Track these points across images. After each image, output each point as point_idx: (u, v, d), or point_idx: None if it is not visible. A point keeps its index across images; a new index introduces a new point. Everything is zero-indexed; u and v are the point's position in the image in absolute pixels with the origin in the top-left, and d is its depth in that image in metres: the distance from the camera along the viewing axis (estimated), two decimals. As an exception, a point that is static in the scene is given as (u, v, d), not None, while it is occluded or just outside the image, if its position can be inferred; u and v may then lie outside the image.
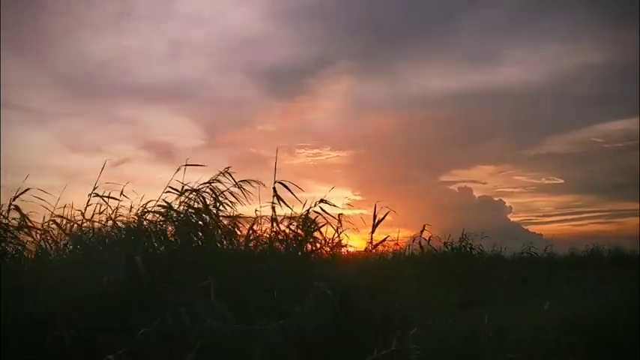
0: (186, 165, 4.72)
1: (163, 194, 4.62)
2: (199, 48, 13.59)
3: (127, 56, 13.21)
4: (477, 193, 17.88)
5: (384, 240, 5.66)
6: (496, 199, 17.83)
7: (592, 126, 17.19)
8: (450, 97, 14.98)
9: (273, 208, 4.85)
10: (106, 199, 4.77)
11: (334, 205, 5.07)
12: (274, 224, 4.85)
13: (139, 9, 12.51)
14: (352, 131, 14.49)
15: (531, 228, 18.80)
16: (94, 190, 4.75)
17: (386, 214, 5.32)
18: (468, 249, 8.50)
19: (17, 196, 4.35)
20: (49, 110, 13.15)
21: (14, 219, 4.36)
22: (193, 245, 4.40)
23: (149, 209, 4.56)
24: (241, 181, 4.89)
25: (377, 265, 5.76)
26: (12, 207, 4.27)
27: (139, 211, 4.57)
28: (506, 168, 17.67)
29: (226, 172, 4.83)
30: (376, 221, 5.29)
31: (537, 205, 18.31)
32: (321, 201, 5.01)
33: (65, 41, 12.55)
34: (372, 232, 5.32)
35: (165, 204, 4.55)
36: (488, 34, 14.20)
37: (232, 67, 14.03)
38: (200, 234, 4.50)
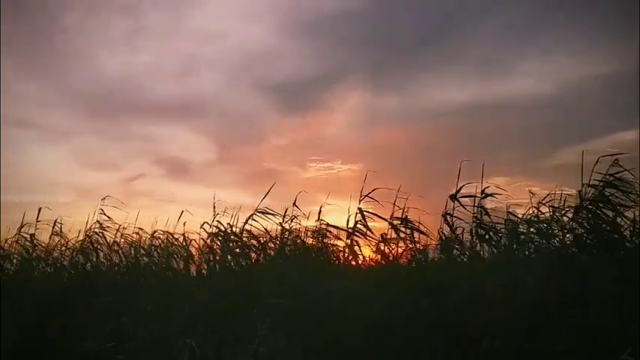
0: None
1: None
2: (211, 63, 13.77)
3: (139, 73, 13.43)
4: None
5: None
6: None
7: (605, 136, 16.91)
8: (461, 108, 14.89)
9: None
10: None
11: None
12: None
13: (151, 26, 12.75)
14: (364, 144, 14.43)
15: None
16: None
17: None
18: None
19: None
20: (63, 127, 13.35)
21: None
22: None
23: None
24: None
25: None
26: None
27: None
28: (520, 179, 17.43)
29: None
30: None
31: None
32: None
33: (79, 59, 12.77)
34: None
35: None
36: (499, 45, 14.15)
37: (244, 81, 14.16)
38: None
